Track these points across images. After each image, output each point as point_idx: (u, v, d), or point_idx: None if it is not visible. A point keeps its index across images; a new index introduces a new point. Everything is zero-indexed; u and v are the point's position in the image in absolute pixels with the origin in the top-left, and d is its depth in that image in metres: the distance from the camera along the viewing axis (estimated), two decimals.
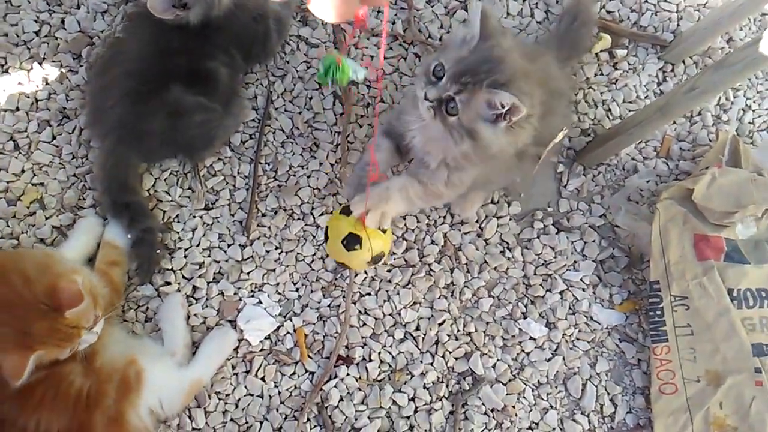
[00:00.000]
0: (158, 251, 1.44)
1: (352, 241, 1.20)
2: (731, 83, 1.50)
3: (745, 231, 1.47)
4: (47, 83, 1.57)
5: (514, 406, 1.43)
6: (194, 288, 1.46)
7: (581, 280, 1.52)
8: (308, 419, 1.41)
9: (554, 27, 1.63)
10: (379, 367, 1.44)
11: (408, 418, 1.42)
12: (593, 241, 1.54)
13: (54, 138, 1.54)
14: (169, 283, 1.45)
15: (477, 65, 1.06)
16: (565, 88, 1.41)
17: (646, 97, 1.65)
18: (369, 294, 1.48)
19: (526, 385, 1.45)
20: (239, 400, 1.41)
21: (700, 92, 1.30)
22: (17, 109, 1.56)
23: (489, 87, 1.05)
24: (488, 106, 1.06)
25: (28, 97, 1.56)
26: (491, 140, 1.10)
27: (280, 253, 1.50)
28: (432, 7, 1.68)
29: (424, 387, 1.44)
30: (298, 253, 1.50)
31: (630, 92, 1.65)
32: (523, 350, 1.47)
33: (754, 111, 1.67)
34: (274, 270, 1.48)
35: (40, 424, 1.16)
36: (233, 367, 1.43)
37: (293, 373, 1.43)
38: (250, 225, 1.50)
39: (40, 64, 1.58)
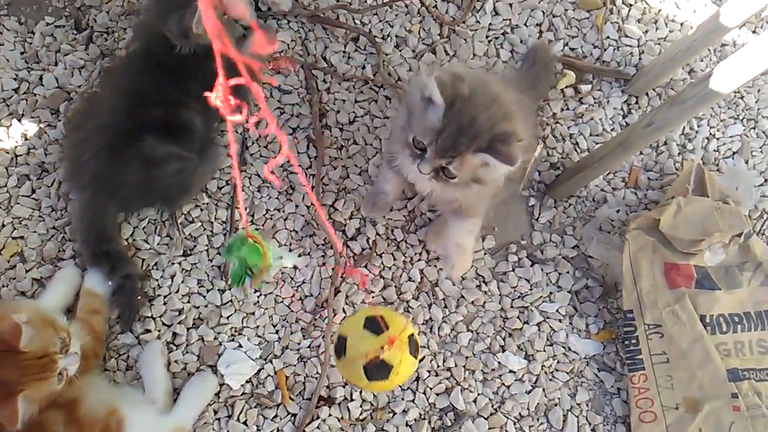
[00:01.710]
0: (139, 297, 1.46)
1: (379, 370, 1.02)
2: (686, 118, 1.55)
3: (714, 258, 1.50)
4: (26, 138, 1.61)
5: None
6: (174, 334, 1.48)
7: (557, 311, 1.54)
8: None
9: (518, 67, 1.69)
10: (360, 406, 1.45)
11: None
12: (567, 272, 1.57)
13: (33, 192, 1.57)
14: (149, 331, 1.47)
15: (455, 138, 1.10)
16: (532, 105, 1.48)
17: (612, 130, 1.70)
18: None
19: (507, 418, 1.46)
20: None
21: (656, 127, 1.34)
22: None
23: (474, 152, 1.10)
24: (481, 162, 1.12)
25: (8, 153, 1.59)
26: (497, 178, 1.17)
27: (259, 296, 1.51)
28: (400, 51, 1.73)
29: (407, 425, 1.45)
30: (276, 295, 1.52)
31: (596, 125, 1.70)
32: (503, 383, 1.49)
33: (718, 139, 1.71)
34: (253, 313, 1.50)
35: None
36: (215, 412, 1.43)
37: (275, 416, 1.44)
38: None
39: (19, 120, 1.62)
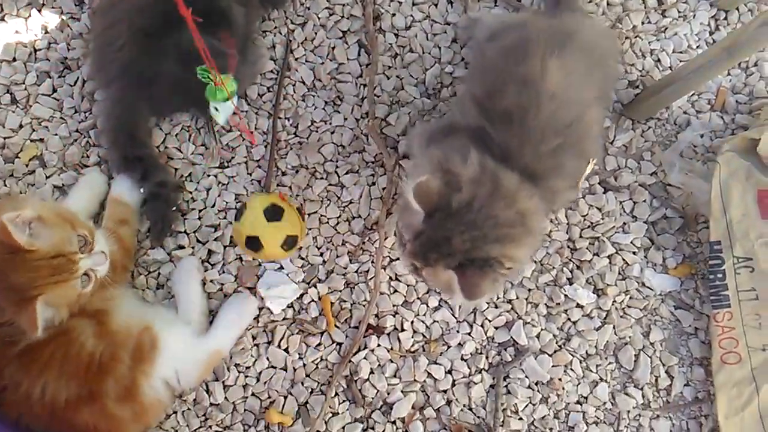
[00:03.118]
0: (174, 208, 1.32)
1: (274, 212, 1.20)
2: None
3: None
4: (47, 31, 1.45)
5: (560, 379, 1.31)
6: (209, 252, 1.34)
7: (631, 243, 1.39)
8: (336, 393, 1.29)
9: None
10: (412, 337, 1.32)
11: (445, 392, 1.30)
12: (644, 201, 1.41)
13: (54, 90, 1.42)
14: (182, 247, 1.33)
15: (427, 248, 0.97)
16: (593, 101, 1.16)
17: (697, 47, 1.52)
18: (400, 258, 1.35)
19: (573, 356, 1.33)
20: (261, 373, 1.29)
21: None
22: (14, 59, 1.44)
23: (445, 269, 0.96)
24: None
25: (26, 47, 1.44)
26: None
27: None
28: None
29: (462, 359, 1.32)
30: (321, 215, 1.37)
31: (681, 41, 1.52)
32: (569, 319, 1.35)
33: None
34: None
35: (47, 390, 1.07)
36: (254, 338, 1.31)
37: (319, 344, 1.31)
38: (270, 185, 1.37)
39: (39, 10, 1.47)
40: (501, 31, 1.21)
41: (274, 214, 1.20)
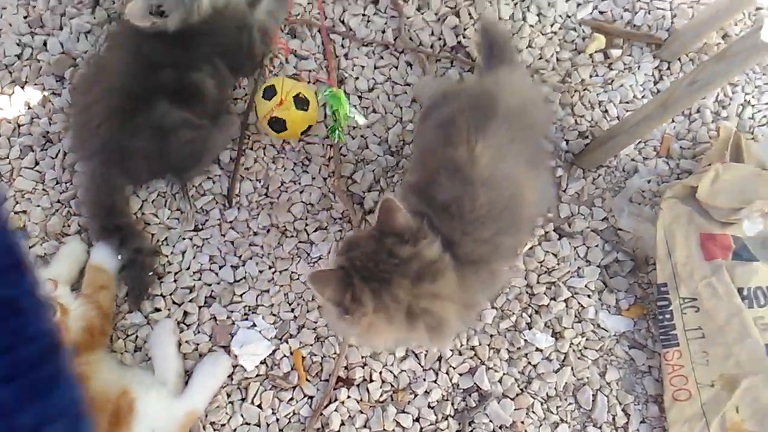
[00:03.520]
0: (150, 273, 1.39)
1: (302, 102, 1.42)
2: (733, 74, 1.44)
3: (753, 228, 1.42)
4: (29, 107, 1.54)
5: (523, 422, 1.38)
6: (185, 313, 1.41)
7: (586, 286, 1.47)
8: None
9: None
10: (380, 387, 1.39)
11: None
12: (596, 245, 1.50)
13: (37, 163, 1.50)
14: (158, 310, 1.40)
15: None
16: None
17: (643, 97, 1.61)
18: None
19: (534, 398, 1.40)
20: (235, 429, 1.36)
21: (701, 85, 1.25)
22: None
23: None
24: None
25: (10, 123, 1.53)
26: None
27: (273, 273, 1.45)
28: (422, 14, 1.65)
29: (429, 406, 1.38)
30: (292, 272, 1.45)
31: (627, 92, 1.61)
32: (529, 362, 1.42)
33: (753, 106, 1.62)
34: (267, 291, 1.43)
35: None
36: (228, 395, 1.37)
37: (291, 399, 1.38)
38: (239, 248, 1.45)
39: (22, 87, 1.55)
40: (438, 103, 1.29)
41: (302, 103, 1.42)
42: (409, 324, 1.00)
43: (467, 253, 1.05)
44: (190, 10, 1.34)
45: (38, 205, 1.46)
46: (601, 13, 1.68)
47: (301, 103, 1.41)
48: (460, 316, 1.06)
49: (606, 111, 1.60)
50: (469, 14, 1.65)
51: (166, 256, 1.44)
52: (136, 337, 1.39)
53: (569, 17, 1.67)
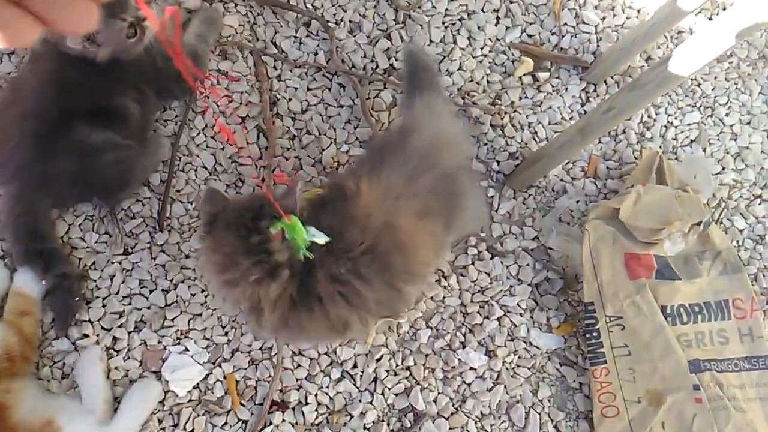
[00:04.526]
0: (76, 299, 1.35)
1: None
2: (646, 102, 1.52)
3: (674, 247, 1.48)
4: None
5: None
6: (114, 339, 1.38)
7: (518, 304, 1.50)
8: None
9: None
10: (316, 409, 1.38)
11: None
12: (527, 264, 1.53)
13: None
14: (86, 336, 1.37)
15: None
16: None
17: (570, 118, 1.66)
18: None
19: (468, 417, 1.41)
20: None
21: (616, 112, 1.30)
22: None
23: None
24: None
25: None
26: None
27: (206, 296, 1.42)
28: (354, 37, 1.66)
29: (365, 428, 1.38)
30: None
31: (555, 114, 1.66)
32: (464, 381, 1.44)
33: (676, 127, 1.69)
34: (200, 314, 1.41)
35: None
36: (159, 422, 1.34)
37: (225, 423, 1.35)
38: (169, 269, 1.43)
39: None
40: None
41: None
42: (224, 286, 1.08)
43: (316, 284, 1.05)
44: (122, 48, 1.32)
45: None
46: (529, 36, 1.72)
47: None
48: (276, 325, 1.08)
49: (535, 132, 1.64)
50: (401, 37, 1.67)
51: (94, 280, 1.41)
52: (63, 364, 1.35)
53: (499, 40, 1.71)
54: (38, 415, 1.20)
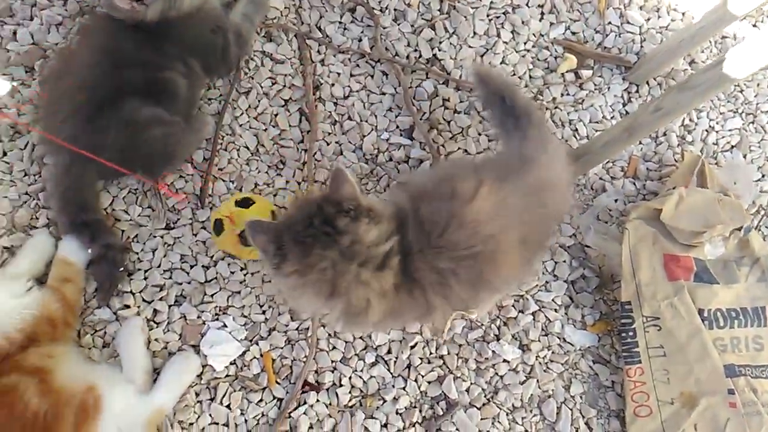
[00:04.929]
0: (120, 269, 1.37)
1: (245, 202, 1.34)
2: (695, 104, 1.51)
3: (714, 251, 1.48)
4: None
5: (489, 431, 1.40)
6: (155, 311, 1.39)
7: (553, 300, 1.50)
8: None
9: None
10: (349, 392, 1.39)
11: None
12: (564, 261, 1.53)
13: (5, 154, 1.46)
14: (128, 307, 1.38)
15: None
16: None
17: (612, 117, 1.66)
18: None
19: (500, 409, 1.42)
20: (203, 429, 1.34)
21: (665, 112, 1.31)
22: None
23: None
24: None
25: None
26: None
27: (245, 275, 1.44)
28: (399, 25, 1.67)
29: (397, 413, 1.39)
30: (264, 274, 1.44)
31: (596, 112, 1.66)
32: (496, 373, 1.44)
33: (717, 132, 1.69)
34: (239, 292, 1.42)
35: None
36: (197, 395, 1.35)
37: (260, 400, 1.37)
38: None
39: None
40: None
41: (245, 203, 1.34)
42: (329, 299, 1.01)
43: (415, 271, 1.04)
44: (171, 3, 1.33)
45: (5, 197, 1.42)
46: (573, 33, 1.72)
47: (244, 202, 1.35)
48: (381, 318, 1.06)
49: (576, 130, 1.64)
50: (445, 28, 1.68)
51: (137, 253, 1.42)
52: (104, 333, 1.36)
53: (542, 36, 1.71)
54: (80, 381, 1.21)
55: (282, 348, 1.40)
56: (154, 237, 1.44)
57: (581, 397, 1.45)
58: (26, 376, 1.17)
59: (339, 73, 1.61)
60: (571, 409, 1.44)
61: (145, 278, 1.41)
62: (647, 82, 1.70)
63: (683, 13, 1.79)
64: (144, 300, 1.40)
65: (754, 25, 1.82)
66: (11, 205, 1.42)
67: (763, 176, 1.67)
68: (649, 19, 1.77)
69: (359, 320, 1.04)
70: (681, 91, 1.28)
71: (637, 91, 1.70)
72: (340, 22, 1.66)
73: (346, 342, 1.42)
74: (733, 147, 1.69)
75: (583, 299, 1.51)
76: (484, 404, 1.42)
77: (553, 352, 1.47)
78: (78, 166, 1.36)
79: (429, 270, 1.03)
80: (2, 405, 1.12)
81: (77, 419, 1.17)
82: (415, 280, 1.04)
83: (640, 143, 1.65)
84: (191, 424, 1.34)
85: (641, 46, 1.73)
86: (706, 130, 1.69)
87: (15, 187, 1.43)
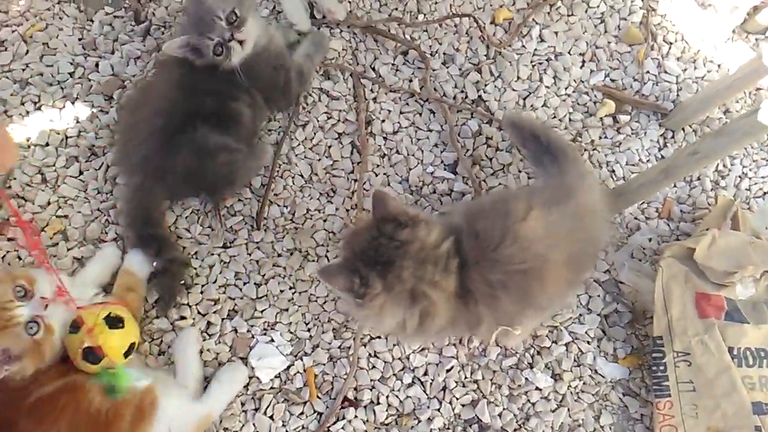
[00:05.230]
0: (180, 283, 1.48)
1: (94, 355, 1.26)
2: (731, 149, 1.58)
3: (745, 291, 1.52)
4: (78, 121, 1.65)
5: None
6: (208, 323, 1.49)
7: (586, 333, 1.56)
8: None
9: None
10: (386, 410, 1.46)
11: None
12: (598, 295, 1.59)
13: (81, 173, 1.60)
14: (184, 318, 1.49)
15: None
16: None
17: (647, 161, 1.73)
18: (379, 337, 1.51)
19: None
20: None
21: (701, 156, 1.38)
22: (47, 144, 1.62)
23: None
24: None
25: (59, 134, 1.63)
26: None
27: (293, 293, 1.53)
28: (447, 68, 1.78)
29: None
30: (311, 294, 1.54)
31: (633, 155, 1.73)
32: (528, 400, 1.50)
33: (750, 179, 1.75)
34: (287, 309, 1.52)
35: None
36: (242, 404, 1.44)
37: (302, 413, 1.45)
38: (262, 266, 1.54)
39: (73, 103, 1.66)
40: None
41: (115, 321, 1.29)
42: (411, 304, 1.09)
43: (470, 282, 1.13)
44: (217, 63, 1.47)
45: (79, 212, 1.55)
46: (612, 80, 1.81)
47: (114, 321, 1.29)
48: (445, 324, 1.15)
49: (613, 171, 1.71)
50: (491, 72, 1.78)
51: (195, 268, 1.53)
52: (161, 341, 1.47)
53: (582, 82, 1.80)
54: (139, 383, 1.31)
55: (324, 364, 1.49)
56: (212, 254, 1.55)
57: (610, 428, 1.49)
58: (93, 377, 1.27)
59: (390, 111, 1.73)
60: None
61: (202, 292, 1.52)
62: (683, 129, 1.78)
63: (719, 65, 1.87)
64: (199, 312, 1.50)
65: None
66: (84, 220, 1.55)
67: None
68: (685, 70, 1.85)
69: (426, 326, 1.13)
70: (717, 136, 1.35)
71: (672, 137, 1.77)
72: (392, 64, 1.78)
73: (385, 362, 1.50)
74: (765, 193, 1.74)
75: (616, 333, 1.56)
76: (515, 429, 1.47)
77: (584, 383, 1.52)
78: (149, 186, 1.48)
79: (482, 281, 1.13)
80: (70, 400, 1.22)
81: (134, 418, 1.27)
82: (469, 290, 1.13)
83: (675, 186, 1.71)
84: (236, 431, 1.42)
85: (677, 95, 1.81)
86: (740, 176, 1.74)
87: (88, 203, 1.57)
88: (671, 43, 1.87)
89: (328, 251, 1.57)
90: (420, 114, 1.74)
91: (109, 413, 1.24)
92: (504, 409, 1.49)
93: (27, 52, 1.71)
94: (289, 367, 1.47)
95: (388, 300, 1.08)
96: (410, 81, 1.76)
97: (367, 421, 1.45)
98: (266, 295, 1.53)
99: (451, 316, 1.14)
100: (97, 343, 1.24)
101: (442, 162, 1.69)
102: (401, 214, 1.11)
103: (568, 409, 1.50)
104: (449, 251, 1.12)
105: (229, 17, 1.42)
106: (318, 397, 1.46)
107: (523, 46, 1.82)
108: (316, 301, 1.53)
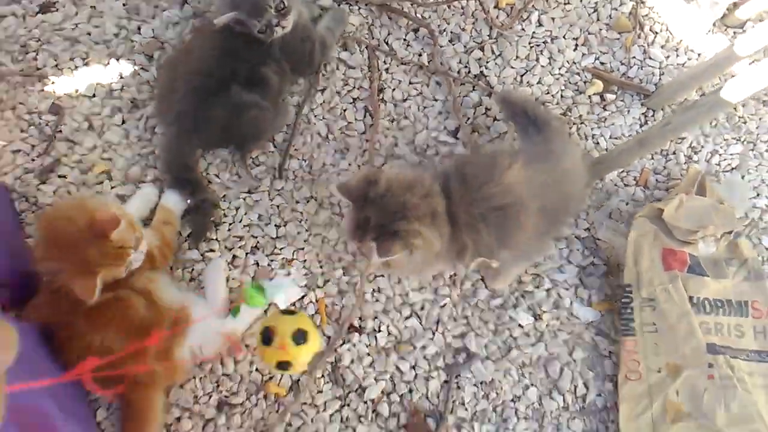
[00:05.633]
0: (211, 219, 1.69)
1: (300, 336, 1.37)
2: (698, 122, 1.78)
3: (706, 249, 1.72)
4: (121, 77, 1.85)
5: (500, 381, 1.65)
6: (234, 257, 1.70)
7: (565, 281, 1.76)
8: (322, 375, 1.62)
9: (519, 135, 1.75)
10: (387, 337, 1.67)
11: (408, 382, 1.64)
12: (578, 249, 1.79)
13: (124, 122, 1.80)
14: (213, 251, 1.69)
15: (359, 227, 1.34)
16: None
17: (629, 135, 1.93)
18: (382, 276, 1.72)
19: (512, 364, 1.67)
20: None
21: (672, 128, 1.59)
22: (93, 95, 1.83)
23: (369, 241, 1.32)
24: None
25: (104, 87, 1.83)
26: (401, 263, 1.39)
27: (309, 235, 1.74)
28: (453, 45, 1.98)
29: (424, 358, 1.66)
30: (324, 237, 1.74)
31: (616, 130, 1.93)
32: (511, 335, 1.70)
33: (720, 155, 1.94)
34: (302, 248, 1.73)
35: (104, 341, 1.38)
36: None
37: None
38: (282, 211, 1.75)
39: (117, 60, 1.86)
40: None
41: (301, 337, 1.38)
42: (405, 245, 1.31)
43: (455, 214, 1.36)
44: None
45: (122, 156, 1.76)
46: (601, 63, 2.01)
47: (300, 337, 1.38)
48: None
49: (597, 143, 1.92)
50: (492, 50, 1.99)
51: (223, 209, 1.74)
52: (192, 269, 1.67)
53: (575, 63, 2.01)
54: (175, 301, 1.51)
55: (334, 296, 1.69)
56: (239, 198, 1.76)
57: (582, 362, 1.70)
58: (136, 292, 1.47)
59: (400, 81, 1.93)
60: (572, 371, 1.68)
61: (229, 230, 1.72)
62: (662, 109, 1.98)
63: (699, 54, 2.07)
64: (226, 247, 1.71)
65: (751, 63, 2.08)
66: (127, 163, 1.76)
67: (757, 195, 1.91)
68: (668, 57, 2.05)
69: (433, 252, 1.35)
70: (687, 110, 1.56)
71: (653, 116, 1.97)
72: (404, 39, 1.99)
73: (387, 297, 1.70)
74: (733, 169, 1.94)
75: (591, 282, 1.77)
76: (498, 359, 1.68)
77: (561, 323, 1.72)
78: (185, 136, 1.69)
79: (465, 213, 1.35)
80: (119, 308, 1.42)
81: (172, 328, 1.47)
82: (456, 223, 1.35)
83: (652, 158, 1.91)
84: (255, 348, 1.63)
85: (660, 79, 2.01)
86: (711, 153, 1.94)
87: (130, 149, 1.77)
88: (656, 33, 2.07)
89: (340, 201, 1.78)
90: (427, 85, 1.94)
91: (150, 324, 1.44)
92: (489, 341, 1.69)
93: (76, 13, 1.92)
94: (303, 296, 1.68)
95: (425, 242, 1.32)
96: (419, 55, 1.96)
97: (369, 345, 1.66)
98: (285, 236, 1.73)
99: (443, 244, 1.35)
100: (288, 359, 1.38)
101: (445, 128, 1.89)
102: (366, 177, 1.33)
103: (546, 344, 1.70)
104: (433, 190, 1.35)
105: (278, 6, 1.63)
106: (327, 323, 1.67)
107: (523, 29, 2.02)
108: (328, 243, 1.74)
